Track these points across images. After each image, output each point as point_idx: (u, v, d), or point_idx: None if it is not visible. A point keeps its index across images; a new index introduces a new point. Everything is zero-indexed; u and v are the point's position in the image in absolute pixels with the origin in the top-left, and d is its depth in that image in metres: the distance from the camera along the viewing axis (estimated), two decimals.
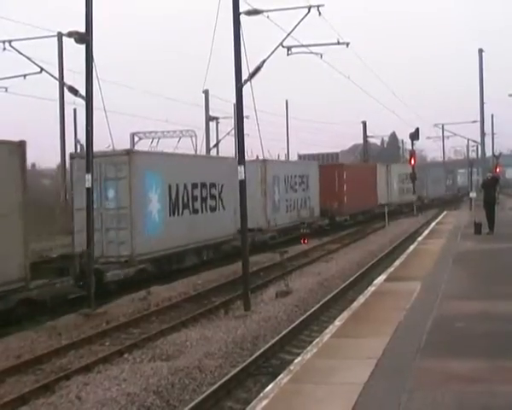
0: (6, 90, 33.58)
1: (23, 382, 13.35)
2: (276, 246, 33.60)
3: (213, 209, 29.49)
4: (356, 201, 48.00)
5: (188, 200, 27.20)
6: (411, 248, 25.44)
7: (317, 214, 43.40)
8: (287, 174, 38.74)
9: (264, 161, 36.10)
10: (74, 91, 21.00)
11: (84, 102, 20.24)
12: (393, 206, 59.25)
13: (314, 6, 22.11)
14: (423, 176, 70.43)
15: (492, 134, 76.47)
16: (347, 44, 26.76)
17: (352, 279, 23.71)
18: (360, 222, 50.18)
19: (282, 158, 61.56)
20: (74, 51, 23.30)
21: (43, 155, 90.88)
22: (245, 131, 20.48)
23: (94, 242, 20.20)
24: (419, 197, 65.61)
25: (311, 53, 27.08)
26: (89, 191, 19.93)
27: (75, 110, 43.81)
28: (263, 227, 34.78)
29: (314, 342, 11.10)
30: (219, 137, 57.91)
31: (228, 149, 54.95)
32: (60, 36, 31.11)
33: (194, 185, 27.70)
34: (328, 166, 51.45)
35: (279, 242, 36.06)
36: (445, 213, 53.07)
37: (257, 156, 38.23)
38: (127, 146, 50.38)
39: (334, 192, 45.85)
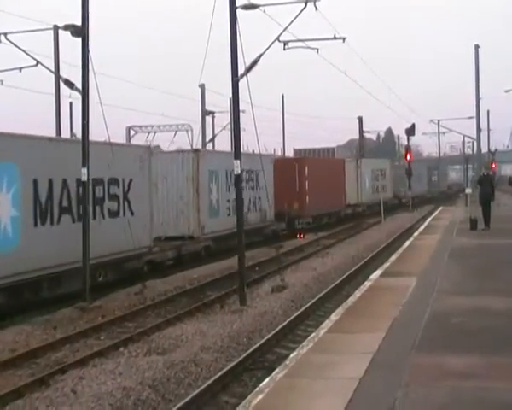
0: (1, 83, 33.52)
1: (18, 376, 13.32)
2: (212, 257, 28.95)
3: (114, 214, 22.97)
4: (320, 201, 42.07)
5: (69, 202, 20.60)
6: (407, 243, 25.48)
7: (270, 218, 37.03)
8: (229, 169, 28.54)
9: (197, 151, 30.30)
10: (70, 85, 20.98)
11: (80, 96, 20.21)
12: (364, 206, 54.26)
13: (311, 1, 22.03)
14: (401, 172, 65.03)
15: (488, 130, 76.68)
16: (344, 39, 26.69)
17: (347, 274, 23.74)
18: (325, 226, 44.29)
19: (279, 153, 61.40)
20: (70, 44, 23.22)
21: None
22: (241, 126, 20.47)
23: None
24: (395, 195, 62.74)
25: (308, 48, 27.00)
26: (84, 185, 19.87)
27: (71, 103, 43.87)
28: (194, 234, 28.78)
29: (310, 337, 11.10)
30: (215, 132, 57.88)
31: (224, 143, 54.92)
32: (56, 29, 30.95)
33: (81, 182, 20.09)
34: (287, 160, 46.61)
35: (217, 252, 29.73)
36: (440, 208, 53.09)
37: (253, 151, 38.17)
38: (123, 140, 50.41)
39: (294, 191, 39.88)
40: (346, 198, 49.96)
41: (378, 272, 17.87)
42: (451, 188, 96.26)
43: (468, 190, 48.39)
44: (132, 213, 23.66)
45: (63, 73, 26.06)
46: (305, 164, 42.40)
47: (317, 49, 26.88)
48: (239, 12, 19.58)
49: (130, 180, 23.79)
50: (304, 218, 41.38)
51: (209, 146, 51.36)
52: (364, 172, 54.85)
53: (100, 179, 22.08)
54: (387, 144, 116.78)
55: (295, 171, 40.54)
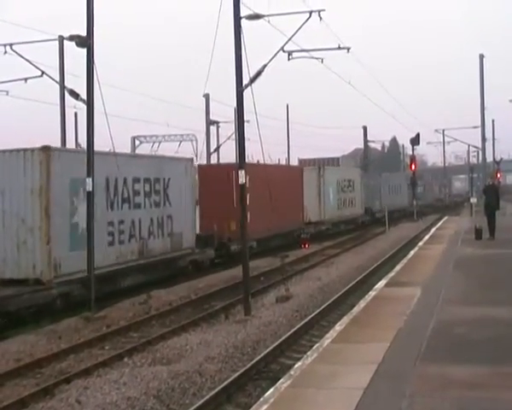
0: (7, 94, 33.62)
1: (23, 385, 13.33)
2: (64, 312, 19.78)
3: None
4: (267, 219, 32.98)
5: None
6: (412, 253, 25.44)
7: (189, 244, 27.79)
8: (112, 176, 22.41)
9: (47, 149, 19.91)
10: (75, 95, 21.03)
11: (85, 106, 20.26)
12: (328, 224, 45.21)
13: (315, 11, 22.13)
14: (374, 183, 59.09)
15: (493, 140, 76.50)
16: (348, 49, 26.77)
17: (352, 284, 23.70)
18: (274, 250, 34.96)
19: (283, 164, 61.31)
20: (75, 55, 23.32)
21: None
22: (246, 136, 20.50)
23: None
24: (367, 209, 54.89)
25: (312, 58, 27.12)
26: (89, 195, 19.88)
27: (76, 114, 43.93)
28: (44, 277, 19.43)
29: (314, 347, 11.09)
30: (220, 142, 57.91)
31: (229, 153, 54.91)
32: (61, 39, 31.09)
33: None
34: (218, 167, 37.38)
35: (84, 302, 19.87)
36: (445, 218, 53.06)
37: (257, 161, 37.93)
38: (128, 150, 50.49)
39: (231, 207, 29.72)
40: (306, 215, 42.07)
41: (383, 282, 17.85)
42: (448, 198, 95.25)
43: (473, 200, 48.50)
44: None
45: (68, 84, 26.13)
46: (246, 172, 34.78)
47: (322, 59, 26.99)
48: (243, 22, 19.66)
49: None
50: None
51: (214, 156, 51.40)
52: (329, 182, 45.78)
53: None
54: (392, 154, 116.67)
55: (232, 181, 29.84)
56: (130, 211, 23.59)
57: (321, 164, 50.01)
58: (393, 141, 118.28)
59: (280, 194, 34.30)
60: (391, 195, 62.62)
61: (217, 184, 31.77)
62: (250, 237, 29.43)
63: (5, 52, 26.39)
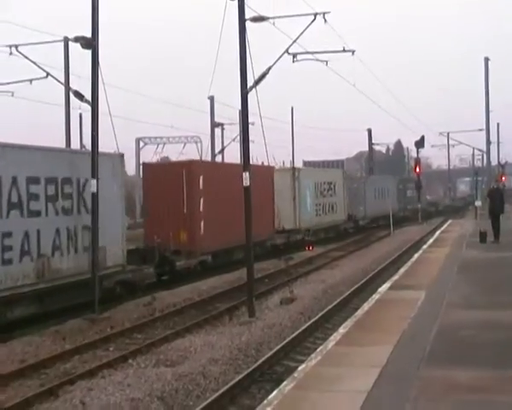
0: (12, 95, 33.70)
1: (27, 386, 13.36)
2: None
3: None
4: (227, 228, 27.81)
5: None
6: (416, 256, 25.43)
7: (115, 262, 22.01)
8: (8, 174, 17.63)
9: None
10: (80, 96, 21.07)
11: (89, 107, 20.31)
12: (304, 232, 39.33)
13: (320, 13, 22.16)
14: (359, 187, 53.27)
15: (498, 143, 76.53)
16: (353, 52, 26.84)
17: (356, 287, 23.68)
18: (232, 264, 28.69)
19: (288, 166, 61.18)
20: (80, 56, 23.38)
21: None
22: (250, 138, 20.53)
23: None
24: (350, 216, 49.52)
25: (317, 60, 27.15)
26: (94, 197, 19.91)
27: (81, 115, 43.99)
28: None
29: (318, 350, 11.10)
30: (225, 144, 57.96)
31: (233, 155, 54.95)
32: (66, 41, 31.17)
33: None
34: (167, 165, 32.95)
35: None
36: (450, 221, 53.02)
37: (262, 163, 37.92)
38: (132, 151, 50.53)
39: (180, 214, 26.35)
40: (279, 222, 36.75)
41: (387, 285, 17.85)
42: (447, 201, 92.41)
43: (478, 203, 48.51)
44: None
45: (73, 85, 26.18)
46: (199, 171, 27.74)
47: (326, 62, 27.01)
48: (248, 24, 19.69)
49: None
50: (196, 256, 27.15)
51: (218, 158, 51.51)
52: (305, 185, 39.89)
53: None
54: (397, 157, 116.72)
55: (182, 182, 26.50)
56: (23, 220, 18.10)
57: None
58: (398, 144, 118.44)
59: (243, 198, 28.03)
60: (377, 199, 56.23)
61: (165, 185, 26.55)
62: (203, 250, 26.88)
63: (10, 53, 26.47)
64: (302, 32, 22.04)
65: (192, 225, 26.78)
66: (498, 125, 75.13)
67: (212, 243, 27.61)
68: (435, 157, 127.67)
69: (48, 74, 26.50)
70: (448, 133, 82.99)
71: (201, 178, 27.37)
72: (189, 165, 28.06)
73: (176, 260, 26.00)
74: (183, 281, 25.31)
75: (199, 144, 59.39)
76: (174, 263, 25.91)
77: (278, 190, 36.27)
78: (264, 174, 34.36)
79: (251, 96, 19.68)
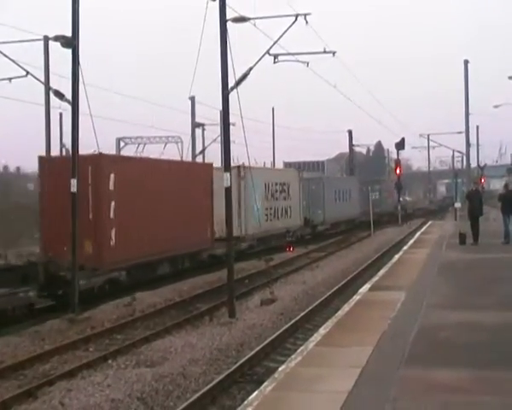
0: None
1: (5, 387, 13.26)
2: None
3: None
4: (148, 238, 23.96)
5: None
6: (396, 257, 25.50)
7: None
8: None
9: None
10: (60, 95, 20.98)
11: (69, 107, 20.21)
12: (251, 240, 35.29)
13: (301, 14, 22.24)
14: (317, 188, 48.49)
15: (477, 145, 76.88)
16: (334, 53, 26.90)
17: (336, 288, 23.73)
18: (155, 281, 24.82)
19: (268, 166, 61.29)
20: (61, 55, 23.24)
21: (29, 158, 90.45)
22: (231, 139, 20.52)
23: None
24: (307, 221, 45.48)
25: (298, 61, 27.20)
26: (74, 196, 19.83)
27: (61, 114, 43.80)
28: None
29: (299, 351, 11.10)
30: (206, 144, 57.85)
31: (214, 155, 54.86)
32: (46, 40, 30.99)
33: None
34: (67, 159, 22.29)
35: None
36: (430, 222, 53.26)
37: (243, 163, 37.69)
38: (113, 151, 50.33)
39: (85, 220, 21.11)
40: (222, 229, 27.34)
41: (367, 286, 17.88)
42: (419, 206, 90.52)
43: (458, 205, 48.71)
44: None
45: (53, 84, 26.01)
46: (110, 168, 22.64)
47: (307, 63, 27.06)
48: (229, 25, 19.69)
49: None
50: (104, 272, 22.28)
51: (199, 158, 51.41)
52: (253, 187, 32.42)
53: None
54: (377, 158, 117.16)
55: (87, 181, 21.76)
56: None
57: (243, 163, 34.76)
58: (378, 145, 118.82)
59: (173, 201, 25.86)
60: (338, 202, 51.99)
61: (65, 185, 20.55)
62: (116, 265, 22.37)
63: None
64: (283, 34, 22.11)
65: (99, 235, 21.94)
66: (478, 127, 75.59)
67: (126, 255, 22.57)
68: (415, 159, 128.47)
69: (27, 73, 26.32)
70: (428, 135, 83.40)
71: (112, 176, 22.34)
72: (95, 160, 22.38)
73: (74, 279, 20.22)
74: (127, 291, 22.30)
75: (180, 145, 59.18)
76: (64, 283, 20.51)
77: (221, 192, 29.55)
78: (200, 173, 29.68)
79: (232, 97, 19.69)
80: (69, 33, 20.16)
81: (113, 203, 22.39)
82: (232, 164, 23.32)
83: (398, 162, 62.81)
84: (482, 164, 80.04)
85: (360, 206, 57.91)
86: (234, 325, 18.11)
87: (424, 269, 20.61)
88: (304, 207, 44.62)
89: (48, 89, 28.97)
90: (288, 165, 67.14)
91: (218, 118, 48.47)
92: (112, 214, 22.34)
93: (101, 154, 22.26)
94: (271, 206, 38.01)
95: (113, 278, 22.58)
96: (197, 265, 28.69)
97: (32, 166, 58.76)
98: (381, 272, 21.04)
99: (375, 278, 19.45)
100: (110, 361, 14.87)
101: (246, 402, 8.55)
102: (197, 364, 14.20)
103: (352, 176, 68.43)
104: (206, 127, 57.18)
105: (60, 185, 21.29)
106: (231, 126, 20.59)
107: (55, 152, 37.46)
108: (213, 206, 29.00)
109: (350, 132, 76.31)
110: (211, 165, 32.26)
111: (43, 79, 29.49)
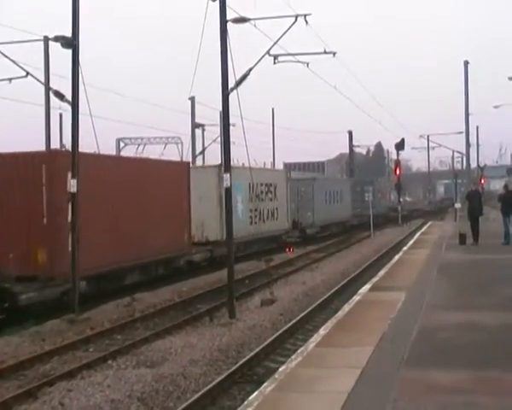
0: None
1: (5, 388, 13.24)
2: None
3: None
4: (117, 242, 22.33)
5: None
6: (396, 257, 25.51)
7: None
8: None
9: None
10: (60, 96, 20.96)
11: (70, 107, 20.20)
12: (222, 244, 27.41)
13: (301, 15, 22.20)
14: (307, 190, 46.73)
15: (477, 145, 76.95)
16: (334, 54, 26.87)
17: (336, 288, 23.73)
18: (122, 290, 22.92)
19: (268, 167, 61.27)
20: (61, 56, 23.24)
21: None
22: (231, 139, 20.52)
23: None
24: (295, 223, 43.74)
25: (298, 62, 27.17)
26: (74, 196, 19.81)
27: (61, 115, 43.83)
28: None
29: (299, 351, 11.10)
30: (205, 145, 57.86)
31: (214, 156, 54.86)
32: (46, 40, 31.02)
33: None
34: (20, 156, 20.60)
35: None
36: (430, 223, 53.26)
37: (242, 164, 37.73)
38: (113, 151, 50.34)
39: (38, 224, 19.94)
40: (202, 233, 30.64)
41: (367, 287, 17.88)
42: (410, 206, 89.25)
43: (458, 205, 48.78)
44: None
45: (53, 85, 26.00)
46: (67, 167, 19.72)
47: (307, 64, 27.05)
48: (230, 25, 19.67)
49: None
50: (59, 282, 20.00)
51: (199, 159, 51.47)
52: (236, 187, 28.20)
53: None
54: (377, 159, 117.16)
55: (41, 181, 20.09)
56: None
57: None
58: (378, 146, 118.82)
59: (144, 203, 24.26)
60: (328, 204, 50.23)
61: (17, 186, 19.70)
62: (79, 273, 19.53)
63: None
64: (283, 34, 22.07)
65: (54, 241, 19.84)
66: (478, 128, 75.64)
67: (87, 263, 20.09)
68: (415, 160, 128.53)
69: (28, 73, 26.30)
70: (428, 136, 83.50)
71: (70, 176, 19.72)
72: (51, 158, 20.63)
73: (21, 293, 18.49)
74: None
75: (180, 145, 59.19)
76: (17, 297, 18.39)
77: (200, 193, 29.68)
78: (176, 172, 27.66)
79: (232, 98, 19.69)
80: (69, 34, 20.16)
81: (70, 206, 19.80)
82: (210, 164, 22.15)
83: (397, 163, 62.84)
84: (482, 164, 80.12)
85: (352, 208, 56.68)
86: (234, 325, 18.11)
87: (424, 269, 20.62)
88: (292, 210, 43.09)
89: (48, 89, 28.98)
90: (288, 166, 67.17)
91: (217, 118, 48.51)
92: (70, 218, 19.74)
93: (56, 151, 21.21)
94: (256, 208, 36.05)
95: (71, 288, 19.70)
96: (172, 272, 26.88)
97: None
98: (382, 272, 21.04)
99: (375, 279, 19.46)
100: (110, 362, 14.86)
101: (246, 403, 8.56)
102: (197, 364, 14.19)
103: (344, 177, 67.01)
104: (206, 128, 57.25)
105: (7, 185, 19.87)
106: (231, 127, 20.57)
107: None
108: (191, 208, 27.77)
109: (350, 133, 76.43)
110: (187, 164, 31.15)
111: (43, 80, 29.52)
